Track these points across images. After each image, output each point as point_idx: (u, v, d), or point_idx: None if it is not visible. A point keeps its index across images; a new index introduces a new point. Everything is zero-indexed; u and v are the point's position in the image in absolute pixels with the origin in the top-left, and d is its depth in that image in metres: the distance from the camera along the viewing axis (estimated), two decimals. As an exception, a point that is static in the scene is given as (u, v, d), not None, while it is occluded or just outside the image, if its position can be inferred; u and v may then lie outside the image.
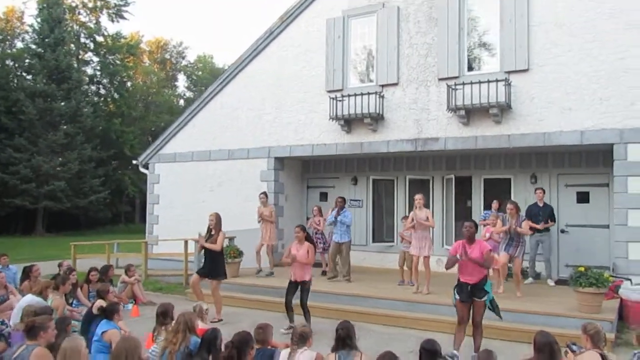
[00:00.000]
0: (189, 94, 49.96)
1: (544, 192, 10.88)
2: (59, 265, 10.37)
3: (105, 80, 39.32)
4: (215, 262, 9.43)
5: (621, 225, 9.86)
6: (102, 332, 6.06)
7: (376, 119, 12.27)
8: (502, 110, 10.92)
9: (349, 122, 12.59)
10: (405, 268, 10.82)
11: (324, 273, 11.96)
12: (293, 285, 8.50)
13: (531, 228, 10.04)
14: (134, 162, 16.73)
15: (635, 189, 9.76)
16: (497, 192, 12.04)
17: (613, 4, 10.19)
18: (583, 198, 11.54)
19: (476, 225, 7.27)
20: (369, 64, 12.77)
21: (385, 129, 12.31)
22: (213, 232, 9.51)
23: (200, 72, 50.56)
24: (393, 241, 13.33)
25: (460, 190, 12.72)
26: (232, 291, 10.81)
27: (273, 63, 13.87)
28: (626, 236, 9.77)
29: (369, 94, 12.20)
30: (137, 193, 39.88)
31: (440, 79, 11.69)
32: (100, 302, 7.33)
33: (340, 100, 12.56)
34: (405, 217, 11.05)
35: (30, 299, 8.10)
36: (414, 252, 9.89)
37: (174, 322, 6.52)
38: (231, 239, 12.40)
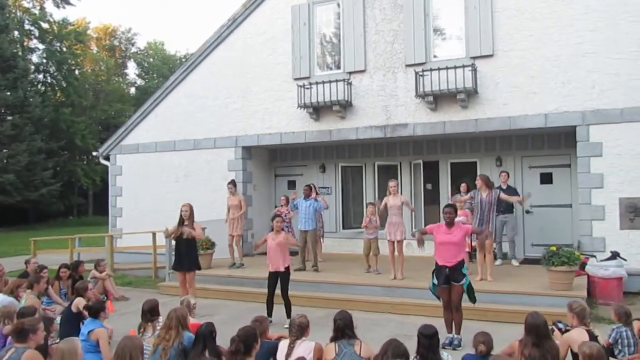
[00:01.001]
0: (140, 81, 48.64)
1: (508, 176, 11.13)
2: (26, 263, 9.96)
3: (52, 69, 37.77)
4: (190, 254, 9.24)
5: (585, 204, 10.25)
6: (89, 332, 5.88)
7: (344, 106, 12.28)
8: (469, 96, 11.12)
9: (317, 110, 12.55)
10: (371, 255, 10.59)
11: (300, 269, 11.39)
12: (273, 276, 8.37)
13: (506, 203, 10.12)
14: (94, 153, 16.23)
15: (597, 169, 10.17)
16: (464, 175, 12.29)
17: (569, -10, 10.50)
18: (546, 179, 11.93)
19: (455, 210, 7.39)
20: (336, 51, 12.72)
21: (354, 116, 12.34)
22: (186, 223, 9.20)
23: (151, 59, 49.25)
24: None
25: (428, 175, 12.91)
26: (208, 283, 10.71)
27: (238, 51, 13.65)
28: (590, 214, 10.18)
29: (337, 81, 12.18)
30: (90, 185, 38.74)
31: (407, 65, 11.78)
32: (79, 300, 7.11)
33: (307, 88, 12.49)
34: (372, 204, 10.87)
35: (1, 298, 7.80)
36: (388, 237, 9.85)
37: (160, 318, 6.45)
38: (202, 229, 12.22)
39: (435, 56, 11.62)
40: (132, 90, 48.16)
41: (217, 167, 13.85)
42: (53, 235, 23.76)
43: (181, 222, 9.21)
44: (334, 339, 5.06)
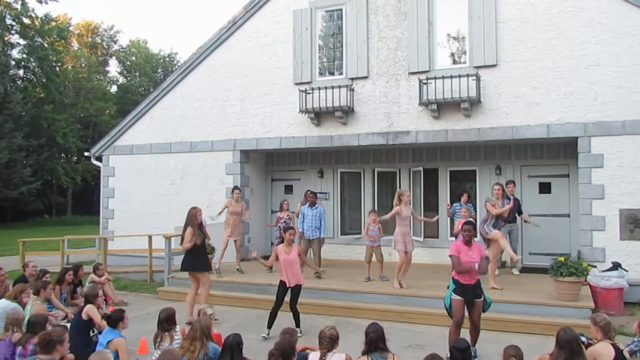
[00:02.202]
0: (122, 79, 47.90)
1: (515, 186, 11.16)
2: (24, 266, 9.69)
3: (33, 64, 36.96)
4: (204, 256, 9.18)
5: (586, 215, 10.38)
6: (108, 342, 5.74)
7: (346, 112, 12.25)
8: (472, 105, 11.18)
9: (318, 115, 12.49)
10: (375, 262, 10.45)
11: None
12: (284, 287, 8.18)
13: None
14: (86, 154, 15.91)
15: (598, 180, 10.31)
16: (463, 183, 12.38)
17: (574, 2, 10.63)
18: (545, 188, 12.06)
19: (475, 227, 7.23)
20: (338, 57, 12.68)
21: (355, 122, 12.32)
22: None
23: (133, 58, 48.54)
24: (360, 233, 13.36)
25: (427, 182, 12.94)
26: (211, 289, 10.51)
27: (237, 54, 13.53)
28: (590, 225, 10.32)
29: (340, 87, 12.14)
30: (70, 183, 38.03)
31: (410, 73, 11.81)
32: (90, 308, 6.92)
33: (309, 93, 12.43)
34: (374, 212, 10.63)
35: (5, 304, 7.57)
36: (399, 247, 9.69)
37: (177, 327, 6.32)
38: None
39: (438, 64, 11.66)
40: (114, 88, 47.35)
41: (214, 170, 13.70)
42: (34, 235, 23.34)
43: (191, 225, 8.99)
44: (366, 352, 5.02)
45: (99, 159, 15.44)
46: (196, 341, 5.42)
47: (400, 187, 13.16)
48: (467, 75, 11.03)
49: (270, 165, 14.84)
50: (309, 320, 8.87)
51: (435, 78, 11.24)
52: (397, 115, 11.94)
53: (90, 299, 6.97)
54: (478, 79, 11.05)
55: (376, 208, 13.15)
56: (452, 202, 12.08)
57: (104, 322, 6.93)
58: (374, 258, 10.49)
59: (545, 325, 8.02)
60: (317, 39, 12.83)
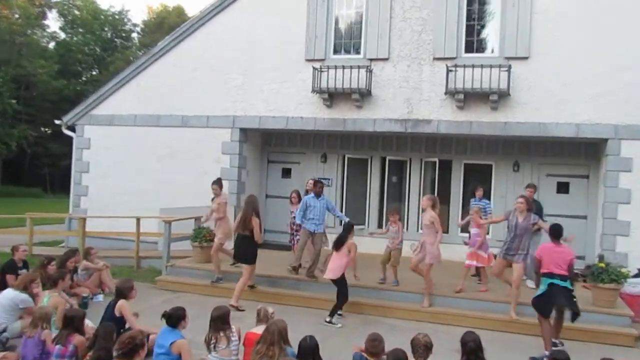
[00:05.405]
0: (63, 35, 45.56)
1: (535, 190, 10.54)
2: (13, 249, 9.14)
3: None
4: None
5: (610, 219, 10.81)
6: (171, 344, 5.52)
7: (363, 95, 12.17)
8: (500, 97, 11.34)
9: (332, 96, 12.37)
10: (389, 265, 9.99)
11: (294, 269, 10.48)
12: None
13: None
14: (57, 122, 15.12)
15: (625, 184, 10.73)
16: (477, 178, 12.53)
17: (613, 1, 10.92)
18: (563, 188, 12.42)
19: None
20: (356, 35, 12.55)
21: (372, 106, 12.27)
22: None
23: (77, 12, 46.18)
24: (364, 224, 13.42)
25: (440, 175, 13.07)
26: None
27: (243, 22, 13.14)
28: (615, 229, 10.75)
29: (359, 67, 12.04)
30: (3, 150, 36.11)
31: (435, 59, 11.85)
32: (123, 304, 6.63)
33: (323, 71, 12.26)
34: (396, 212, 10.15)
35: (13, 295, 7.18)
36: (429, 260, 9.03)
37: (234, 327, 6.16)
38: (197, 218, 11.78)
39: (466, 52, 11.75)
40: (53, 45, 44.99)
41: (209, 148, 13.35)
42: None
43: None
44: (463, 362, 5.08)
45: (72, 128, 14.73)
46: (274, 346, 5.31)
47: (409, 178, 13.26)
48: (499, 66, 11.17)
49: (267, 145, 14.58)
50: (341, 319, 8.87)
51: (465, 66, 11.32)
52: (418, 102, 11.97)
53: (124, 293, 6.67)
54: (509, 70, 11.20)
55: (385, 199, 13.24)
56: (464, 196, 12.28)
57: (134, 320, 6.69)
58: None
59: (584, 332, 8.31)
60: (333, 13, 12.64)
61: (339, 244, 8.73)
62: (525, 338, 8.27)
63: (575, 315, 7.48)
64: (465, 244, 10.27)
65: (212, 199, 10.94)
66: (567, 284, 7.37)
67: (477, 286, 9.90)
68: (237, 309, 8.75)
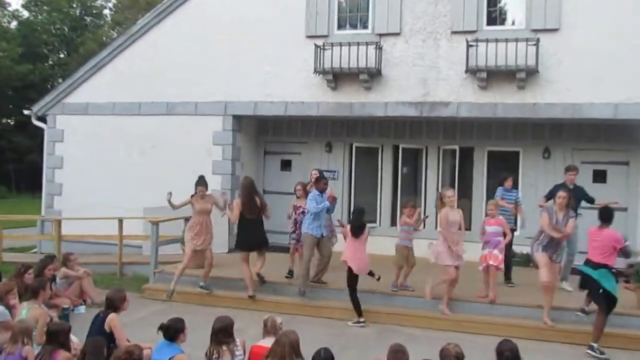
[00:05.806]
0: (27, 14, 45.46)
1: (577, 172, 10.53)
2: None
3: None
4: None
5: (652, 211, 10.80)
6: (170, 359, 5.50)
7: (372, 75, 12.13)
8: (528, 75, 11.30)
9: (336, 77, 12.35)
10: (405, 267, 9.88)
11: (290, 273, 10.68)
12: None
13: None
14: (26, 112, 15.05)
15: (672, 171, 10.72)
16: (503, 167, 12.47)
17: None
18: (600, 177, 12.39)
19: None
20: (363, 8, 12.49)
21: (383, 88, 12.26)
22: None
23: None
24: (375, 222, 13.39)
25: (460, 164, 13.05)
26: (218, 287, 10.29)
27: (234, -5, 13.10)
28: (657, 223, 10.74)
29: (367, 44, 12.00)
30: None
31: (453, 32, 11.83)
32: (114, 318, 6.58)
33: (327, 49, 12.20)
34: (412, 207, 10.02)
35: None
36: (448, 262, 8.92)
37: (238, 341, 6.14)
38: (188, 219, 11.71)
39: (488, 24, 11.71)
40: (14, 23, 44.88)
41: (199, 139, 13.33)
42: None
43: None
44: (501, 374, 5.06)
45: (42, 119, 14.68)
46: (285, 359, 5.32)
47: (426, 169, 13.23)
48: (526, 40, 11.11)
49: (264, 134, 14.57)
50: (346, 329, 8.90)
51: (487, 41, 11.25)
52: (434, 83, 11.93)
53: (115, 304, 6.62)
54: (537, 44, 11.14)
55: (399, 193, 13.18)
56: (488, 188, 12.24)
57: (125, 338, 6.65)
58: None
59: (623, 337, 8.29)
60: (337, -17, 12.62)
61: (361, 227, 9.04)
62: (562, 347, 8.23)
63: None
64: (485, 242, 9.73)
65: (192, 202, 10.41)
66: (593, 273, 7.72)
67: (508, 290, 9.83)
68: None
